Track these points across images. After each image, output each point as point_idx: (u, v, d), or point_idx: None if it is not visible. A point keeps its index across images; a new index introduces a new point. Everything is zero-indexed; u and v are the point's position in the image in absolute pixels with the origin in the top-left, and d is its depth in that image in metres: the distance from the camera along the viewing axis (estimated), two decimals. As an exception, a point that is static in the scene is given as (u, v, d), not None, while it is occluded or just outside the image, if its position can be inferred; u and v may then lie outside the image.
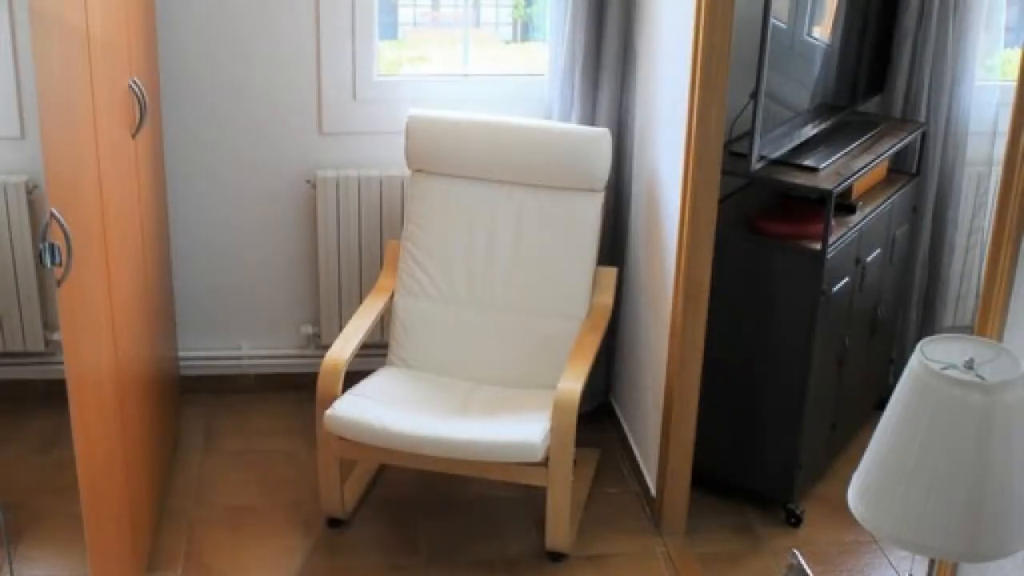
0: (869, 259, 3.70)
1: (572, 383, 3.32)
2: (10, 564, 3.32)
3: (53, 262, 2.44)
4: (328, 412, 3.32)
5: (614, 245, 4.01)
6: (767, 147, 3.44)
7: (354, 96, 4.00)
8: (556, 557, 3.47)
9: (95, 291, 2.79)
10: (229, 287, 4.18)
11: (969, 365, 2.03)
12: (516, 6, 4.29)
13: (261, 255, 4.16)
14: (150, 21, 3.68)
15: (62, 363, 2.54)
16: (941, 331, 4.19)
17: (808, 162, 3.53)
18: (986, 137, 4.14)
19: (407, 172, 3.86)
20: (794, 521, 3.65)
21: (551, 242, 3.75)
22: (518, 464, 3.29)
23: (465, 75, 4.13)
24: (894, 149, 3.80)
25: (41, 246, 2.43)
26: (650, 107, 3.70)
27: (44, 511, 3.53)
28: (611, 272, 3.76)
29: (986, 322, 2.40)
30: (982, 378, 2.00)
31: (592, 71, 3.85)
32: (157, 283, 3.68)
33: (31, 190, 3.84)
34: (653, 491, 3.67)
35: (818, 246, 3.39)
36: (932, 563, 2.29)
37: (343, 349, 3.46)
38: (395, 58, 4.20)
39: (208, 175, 4.04)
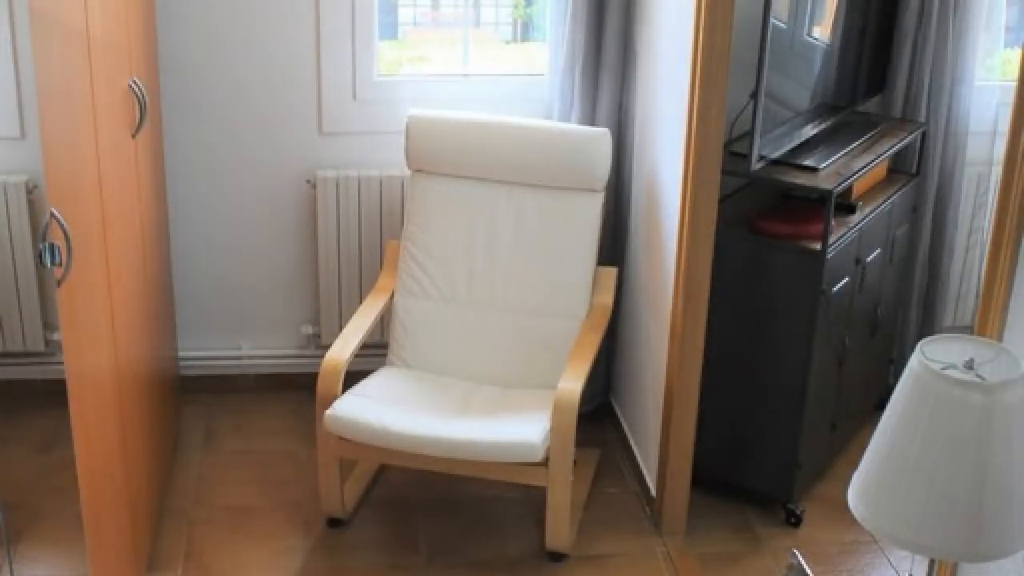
0: (869, 259, 3.70)
1: (572, 383, 3.32)
2: (10, 564, 3.32)
3: (53, 262, 2.44)
4: (328, 412, 3.32)
5: (614, 245, 4.01)
6: (767, 147, 3.44)
7: (354, 96, 4.00)
8: (556, 557, 3.47)
9: (95, 291, 2.79)
10: (229, 287, 4.17)
11: (969, 365, 2.03)
12: (516, 6, 4.29)
13: (261, 255, 4.15)
14: (150, 21, 3.67)
15: (62, 363, 2.54)
16: (941, 331, 4.19)
17: (808, 162, 3.53)
18: (986, 137, 4.13)
19: (407, 172, 3.85)
20: (794, 521, 3.65)
21: (551, 242, 3.75)
22: (518, 464, 3.29)
23: (465, 75, 4.12)
24: (894, 149, 3.80)
25: (41, 246, 2.43)
26: (650, 107, 3.69)
27: (44, 511, 3.53)
28: (611, 272, 3.76)
29: (986, 322, 2.40)
30: (982, 378, 2.00)
31: (592, 71, 3.84)
32: (157, 283, 3.68)
33: (31, 190, 3.84)
34: (653, 491, 3.67)
35: (818, 246, 3.39)
36: (932, 563, 2.29)
37: (343, 349, 3.46)
38: (395, 58, 4.20)
39: (208, 175, 4.04)
